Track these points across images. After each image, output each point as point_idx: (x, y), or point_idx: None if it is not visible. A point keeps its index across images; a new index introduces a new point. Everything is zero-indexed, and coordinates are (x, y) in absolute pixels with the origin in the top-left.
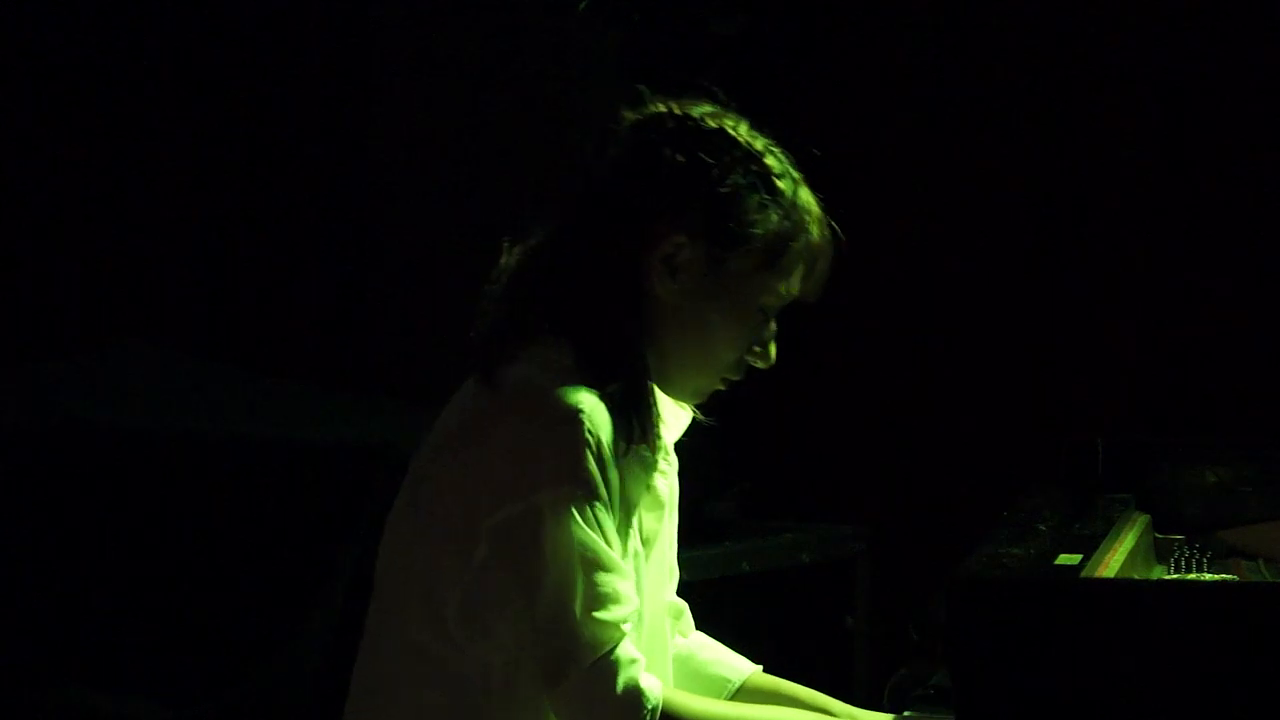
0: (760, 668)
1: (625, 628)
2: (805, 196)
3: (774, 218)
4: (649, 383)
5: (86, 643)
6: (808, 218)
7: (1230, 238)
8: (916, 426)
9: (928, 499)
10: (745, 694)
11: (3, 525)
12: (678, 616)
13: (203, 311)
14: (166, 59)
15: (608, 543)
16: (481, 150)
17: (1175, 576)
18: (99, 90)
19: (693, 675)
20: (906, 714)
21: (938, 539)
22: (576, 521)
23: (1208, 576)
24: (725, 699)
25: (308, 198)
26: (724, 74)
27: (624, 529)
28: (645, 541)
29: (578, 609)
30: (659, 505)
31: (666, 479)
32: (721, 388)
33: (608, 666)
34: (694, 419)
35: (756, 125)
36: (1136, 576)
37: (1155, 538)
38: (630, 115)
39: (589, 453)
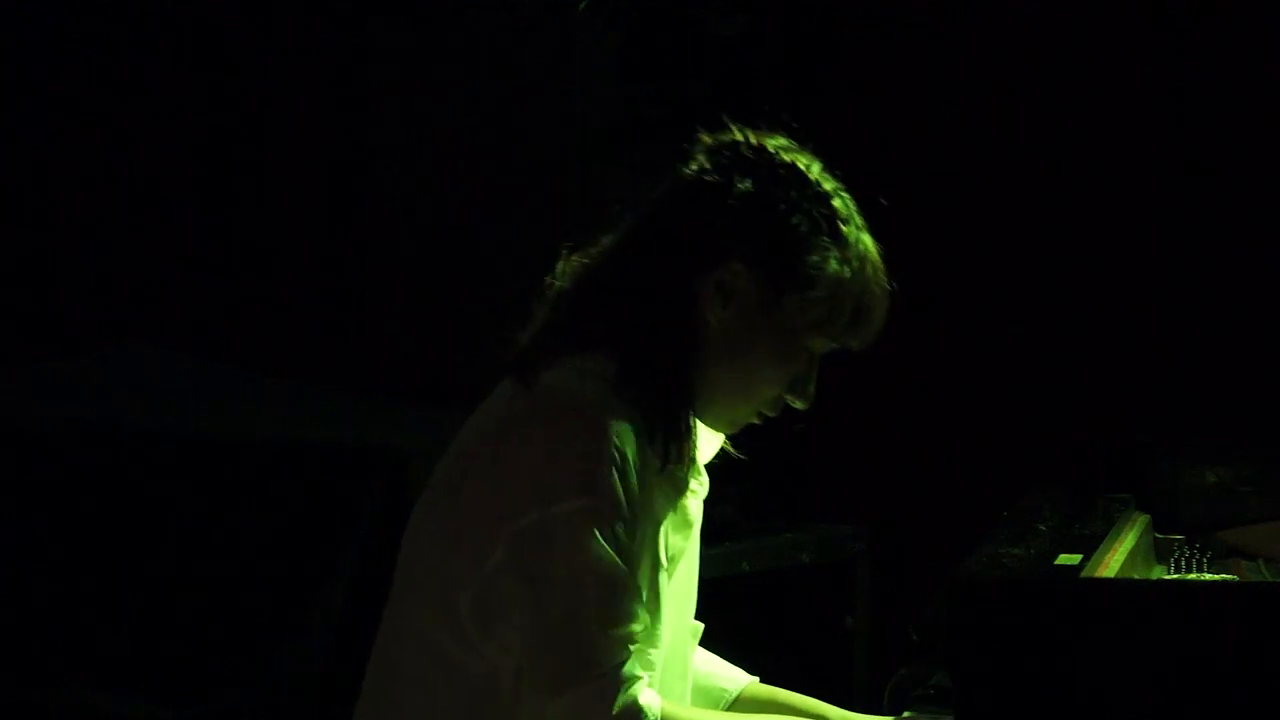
0: (757, 679)
1: (631, 646)
2: (867, 245)
3: (833, 262)
4: (688, 406)
5: (86, 643)
6: (867, 267)
7: (1231, 238)
8: (917, 426)
9: (928, 499)
10: (742, 704)
11: (3, 525)
12: (695, 635)
13: (203, 311)
14: (166, 58)
15: (624, 560)
16: (481, 150)
17: (1175, 576)
18: (99, 90)
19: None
20: (906, 714)
21: (938, 539)
22: (594, 536)
23: (1208, 576)
24: (722, 709)
25: (308, 197)
26: (724, 74)
27: (647, 546)
28: (670, 559)
29: (586, 623)
30: (687, 525)
31: (696, 498)
32: (756, 421)
33: (609, 683)
34: (723, 447)
35: (829, 168)
36: (1136, 576)
37: (1155, 538)
38: (707, 138)
39: (613, 468)
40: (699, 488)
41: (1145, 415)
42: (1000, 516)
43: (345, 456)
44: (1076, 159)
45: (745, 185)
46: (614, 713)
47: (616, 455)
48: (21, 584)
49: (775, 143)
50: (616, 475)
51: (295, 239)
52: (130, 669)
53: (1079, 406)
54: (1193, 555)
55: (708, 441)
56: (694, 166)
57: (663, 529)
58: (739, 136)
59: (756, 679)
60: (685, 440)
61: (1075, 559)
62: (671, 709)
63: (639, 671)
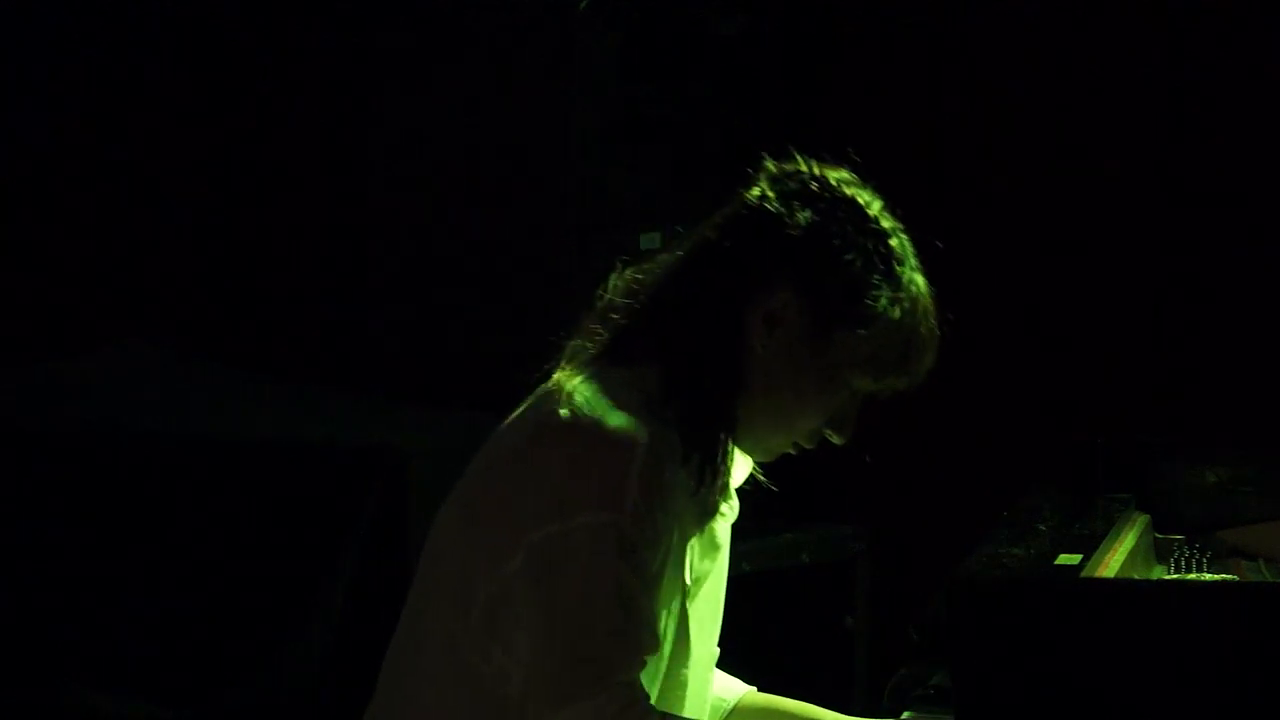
0: (754, 688)
1: (638, 665)
2: (920, 287)
3: (884, 300)
4: (728, 432)
5: (86, 643)
6: (919, 309)
7: (1231, 238)
8: (916, 427)
9: (928, 499)
10: (739, 714)
11: (3, 525)
12: (713, 659)
13: (203, 311)
14: (166, 58)
15: (641, 578)
16: (481, 150)
17: (1175, 576)
18: (99, 90)
19: None
20: (906, 715)
21: (938, 539)
22: (614, 552)
23: (1208, 576)
24: None
25: (308, 197)
26: (724, 74)
27: (673, 568)
28: (695, 581)
29: (597, 638)
30: (714, 549)
31: (725, 522)
32: (792, 452)
33: (614, 699)
34: (753, 472)
35: (889, 208)
36: (1136, 576)
37: (1155, 538)
38: (771, 165)
39: (640, 485)
40: (729, 511)
41: (1145, 415)
42: (1000, 516)
43: (345, 456)
44: (1077, 159)
45: (805, 216)
46: None
47: (646, 473)
48: (22, 584)
49: (838, 176)
50: (642, 493)
51: (295, 239)
52: (130, 669)
53: (1079, 406)
54: (1193, 555)
55: (739, 465)
56: (756, 193)
57: (689, 551)
58: (803, 167)
59: (754, 688)
60: (720, 465)
61: (1075, 559)
62: None
63: (644, 690)
